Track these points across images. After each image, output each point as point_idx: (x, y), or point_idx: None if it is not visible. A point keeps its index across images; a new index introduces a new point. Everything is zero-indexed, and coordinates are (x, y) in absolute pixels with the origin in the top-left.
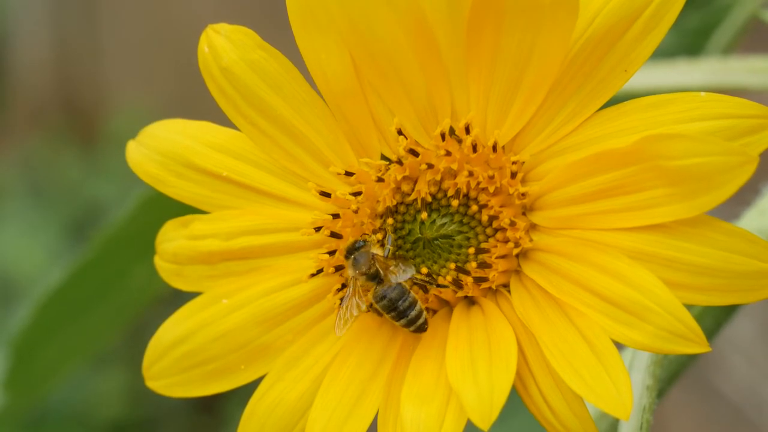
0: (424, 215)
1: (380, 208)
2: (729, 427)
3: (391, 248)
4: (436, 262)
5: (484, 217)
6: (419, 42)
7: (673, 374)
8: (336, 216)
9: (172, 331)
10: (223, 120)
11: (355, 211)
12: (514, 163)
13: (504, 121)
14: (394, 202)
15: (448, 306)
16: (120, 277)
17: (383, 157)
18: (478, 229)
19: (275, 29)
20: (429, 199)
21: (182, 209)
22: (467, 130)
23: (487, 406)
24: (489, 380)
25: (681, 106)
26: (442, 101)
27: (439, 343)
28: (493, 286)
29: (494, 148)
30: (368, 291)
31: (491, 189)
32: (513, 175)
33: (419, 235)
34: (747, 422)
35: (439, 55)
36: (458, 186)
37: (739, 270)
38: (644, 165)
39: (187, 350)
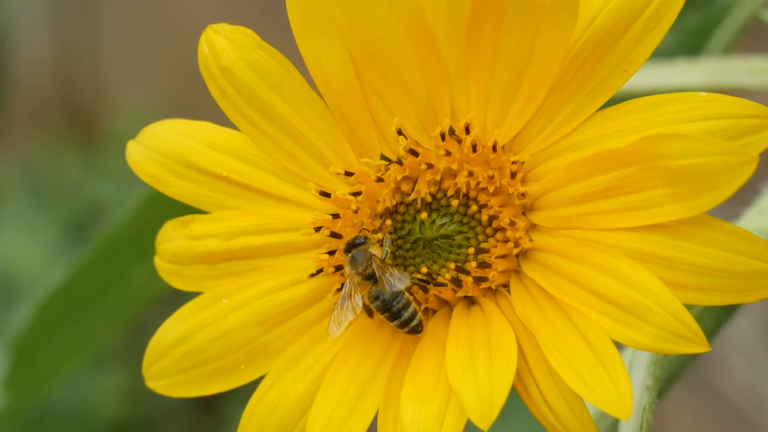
0: (423, 215)
1: (380, 208)
2: (729, 427)
3: (389, 250)
4: (435, 262)
5: (484, 217)
6: (419, 42)
7: (673, 374)
8: (336, 216)
9: (172, 331)
10: (223, 120)
11: (355, 211)
12: (513, 163)
13: (504, 121)
14: (394, 202)
15: (448, 306)
16: (120, 277)
17: (383, 157)
18: (478, 229)
19: (275, 29)
20: (429, 199)
21: (182, 209)
22: (467, 130)
23: (487, 406)
24: (489, 380)
25: (681, 106)
26: (442, 101)
27: (438, 343)
28: (493, 286)
29: (494, 148)
30: (364, 290)
31: (491, 189)
32: (513, 175)
33: (419, 235)
34: (747, 422)
35: (439, 55)
36: (458, 186)
37: (739, 270)
38: (644, 165)
39: (187, 350)
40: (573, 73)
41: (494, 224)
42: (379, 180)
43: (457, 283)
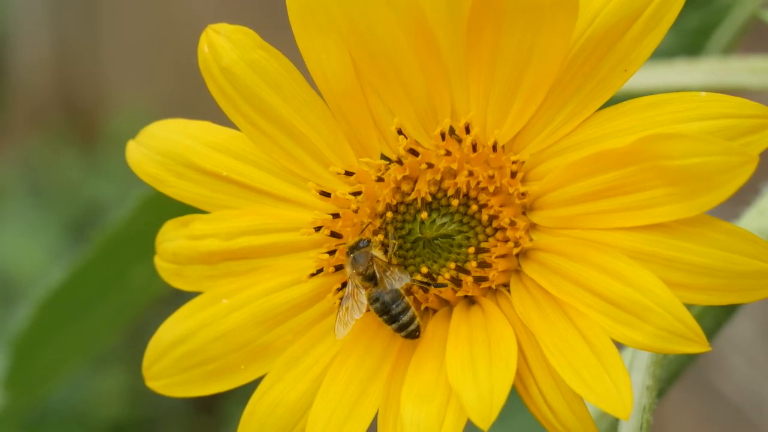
0: (424, 215)
1: (380, 208)
2: (729, 427)
3: (396, 243)
4: (436, 262)
5: (484, 217)
6: (419, 42)
7: (673, 374)
8: (336, 216)
9: (172, 331)
10: (223, 120)
11: (355, 211)
12: (514, 162)
13: (504, 120)
14: (394, 202)
15: (448, 305)
16: (120, 277)
17: (383, 157)
18: (478, 229)
19: (275, 29)
20: (429, 198)
21: (182, 209)
22: (467, 130)
23: (487, 406)
24: (489, 380)
25: (680, 106)
26: (442, 101)
27: (439, 343)
28: (493, 286)
29: (494, 148)
30: (365, 291)
31: (491, 188)
32: (513, 174)
33: (419, 235)
34: (747, 422)
35: (439, 55)
36: (458, 185)
37: (739, 270)
38: (644, 165)
39: (187, 350)
40: (573, 73)
41: (494, 224)
42: (380, 180)
43: (457, 282)
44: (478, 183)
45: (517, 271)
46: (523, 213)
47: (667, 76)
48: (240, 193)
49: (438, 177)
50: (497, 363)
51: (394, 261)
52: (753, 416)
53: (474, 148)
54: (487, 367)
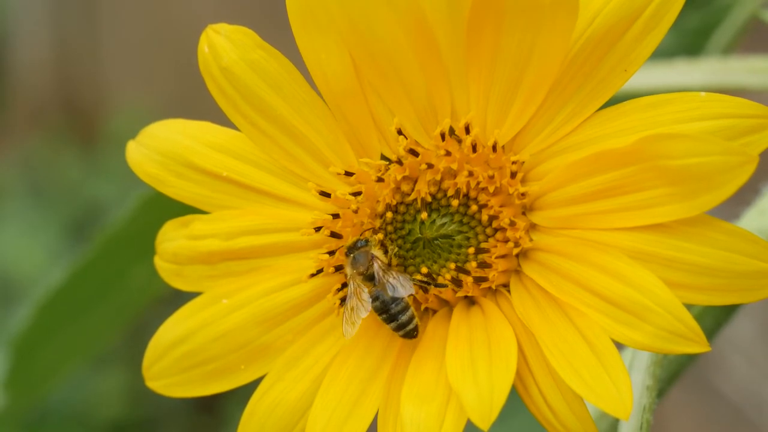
0: (424, 215)
1: (380, 208)
2: (729, 427)
3: (393, 251)
4: (436, 262)
5: (484, 217)
6: (419, 42)
7: (673, 374)
8: (336, 216)
9: (172, 331)
10: (223, 120)
11: (355, 211)
12: (514, 162)
13: (504, 120)
14: (394, 202)
15: (448, 306)
16: (120, 277)
17: (383, 157)
18: (478, 229)
19: (275, 29)
20: (429, 199)
21: (182, 209)
22: (467, 130)
23: (487, 406)
24: (489, 380)
25: (680, 106)
26: (442, 101)
27: (439, 343)
28: (493, 286)
29: (494, 148)
30: (365, 290)
31: (491, 189)
32: (513, 174)
33: (419, 235)
34: (747, 422)
35: (439, 55)
36: (458, 186)
37: (739, 270)
38: (644, 165)
39: (187, 350)
40: (573, 73)
41: (494, 224)
42: (379, 180)
43: (458, 283)
44: (478, 183)
45: (517, 272)
46: (523, 213)
47: (667, 76)
48: (240, 193)
49: (438, 177)
50: (497, 363)
51: (394, 261)
52: (753, 416)
53: (474, 148)
54: (487, 367)
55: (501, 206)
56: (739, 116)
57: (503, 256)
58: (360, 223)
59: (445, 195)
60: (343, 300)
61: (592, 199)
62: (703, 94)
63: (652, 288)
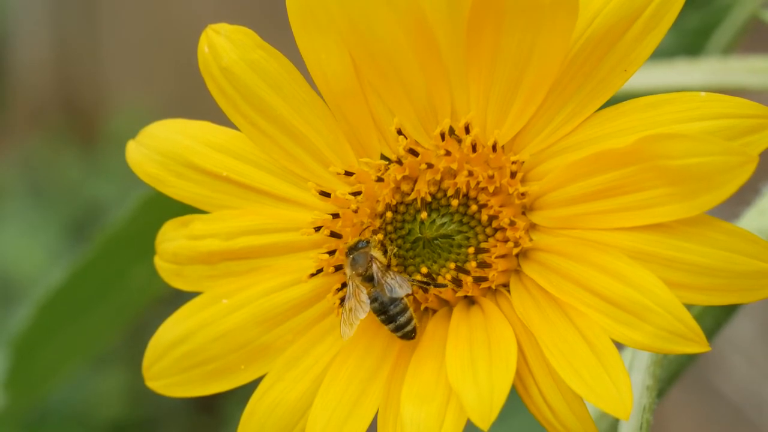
0: (423, 215)
1: (380, 208)
2: (729, 427)
3: (392, 252)
4: (435, 262)
5: (484, 217)
6: (419, 42)
7: (673, 374)
8: (336, 216)
9: (172, 331)
10: (223, 120)
11: (355, 211)
12: (513, 162)
13: (504, 120)
14: (394, 202)
15: (447, 305)
16: (120, 277)
17: (383, 157)
18: (478, 229)
19: (275, 29)
20: (429, 198)
21: (182, 209)
22: (467, 130)
23: (487, 406)
24: (489, 380)
25: (680, 106)
26: (442, 101)
27: (438, 343)
28: (493, 286)
29: (494, 148)
30: (364, 291)
31: (491, 189)
32: (513, 174)
33: (419, 235)
34: (747, 422)
35: (439, 55)
36: (458, 186)
37: (739, 270)
38: (644, 165)
39: (186, 350)
40: (573, 73)
41: (494, 224)
42: (379, 180)
43: (457, 282)
44: (478, 183)
45: (517, 271)
46: (523, 213)
47: (667, 76)
48: (240, 193)
49: (438, 177)
50: (497, 363)
51: (394, 262)
52: (753, 416)
53: (474, 148)
54: (487, 367)
55: (501, 206)
56: (739, 116)
57: (503, 256)
58: (360, 223)
59: (445, 195)
60: (342, 300)
61: (592, 199)
62: (703, 94)
63: (652, 288)
